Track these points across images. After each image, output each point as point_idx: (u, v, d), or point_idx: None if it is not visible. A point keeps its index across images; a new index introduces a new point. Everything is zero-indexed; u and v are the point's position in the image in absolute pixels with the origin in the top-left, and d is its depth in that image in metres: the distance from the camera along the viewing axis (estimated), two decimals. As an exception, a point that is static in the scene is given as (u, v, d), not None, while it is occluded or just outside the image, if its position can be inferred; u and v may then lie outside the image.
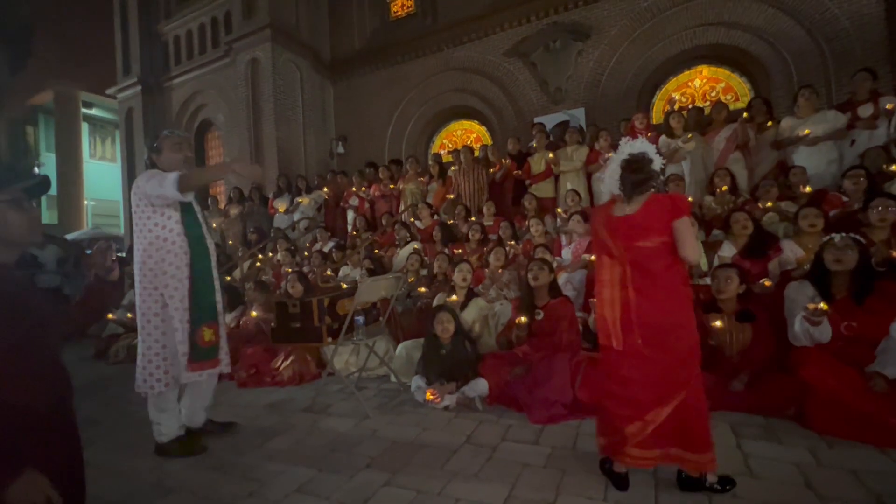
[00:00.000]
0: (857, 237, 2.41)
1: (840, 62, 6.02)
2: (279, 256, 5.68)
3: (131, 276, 2.69)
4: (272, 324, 3.10)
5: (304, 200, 7.06)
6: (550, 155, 5.38)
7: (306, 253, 5.77)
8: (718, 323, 2.60)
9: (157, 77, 11.01)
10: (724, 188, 4.09)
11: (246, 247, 6.64)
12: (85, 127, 18.89)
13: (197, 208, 2.44)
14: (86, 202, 18.26)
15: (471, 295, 3.46)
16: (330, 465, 2.14)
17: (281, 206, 7.25)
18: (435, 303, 3.55)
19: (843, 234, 2.39)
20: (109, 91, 11.89)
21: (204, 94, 10.61)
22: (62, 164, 17.62)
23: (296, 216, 7.10)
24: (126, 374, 4.04)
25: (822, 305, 2.18)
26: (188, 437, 2.40)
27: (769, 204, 3.81)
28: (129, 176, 11.37)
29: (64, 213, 17.45)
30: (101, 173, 18.96)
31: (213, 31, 10.38)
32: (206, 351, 2.33)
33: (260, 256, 6.25)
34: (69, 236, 9.26)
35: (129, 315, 4.82)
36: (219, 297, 2.44)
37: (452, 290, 3.52)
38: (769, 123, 4.48)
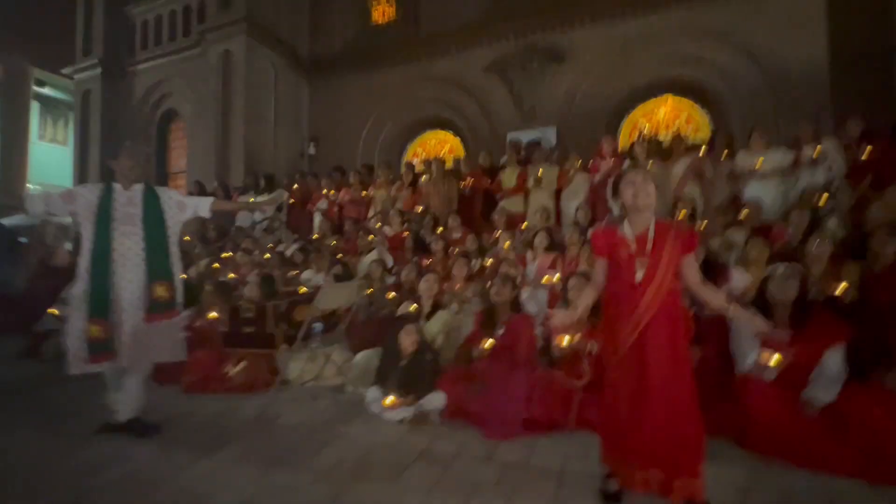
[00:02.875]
0: (799, 267, 2.55)
1: (789, 103, 6.48)
2: (237, 256, 5.46)
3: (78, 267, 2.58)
4: (224, 328, 2.96)
5: (252, 199, 6.75)
6: (541, 172, 5.43)
7: (267, 255, 5.59)
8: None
9: (120, 60, 10.49)
10: (683, 212, 4.27)
11: (204, 244, 6.36)
12: (35, 106, 17.68)
13: (118, 214, 2.52)
14: (30, 186, 17.03)
15: (436, 307, 3.44)
16: (276, 479, 2.05)
17: (244, 203, 7.00)
18: (399, 312, 3.51)
19: (787, 265, 2.53)
20: (65, 70, 11.23)
21: (170, 82, 10.19)
22: (7, 145, 16.40)
23: (257, 215, 6.88)
24: (57, 374, 3.77)
25: (773, 362, 2.27)
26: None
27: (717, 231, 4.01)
28: (81, 160, 10.72)
29: (6, 196, 16.19)
30: (51, 157, 17.74)
31: (184, 19, 10.02)
32: (96, 345, 2.43)
33: (224, 255, 5.99)
34: (4, 221, 8.55)
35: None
36: (124, 294, 2.49)
37: (418, 301, 3.49)
38: (726, 157, 4.74)
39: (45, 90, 17.89)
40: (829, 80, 6.42)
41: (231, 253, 5.97)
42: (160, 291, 2.54)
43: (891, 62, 5.78)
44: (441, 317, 3.40)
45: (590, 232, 3.78)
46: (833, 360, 2.30)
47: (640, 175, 1.85)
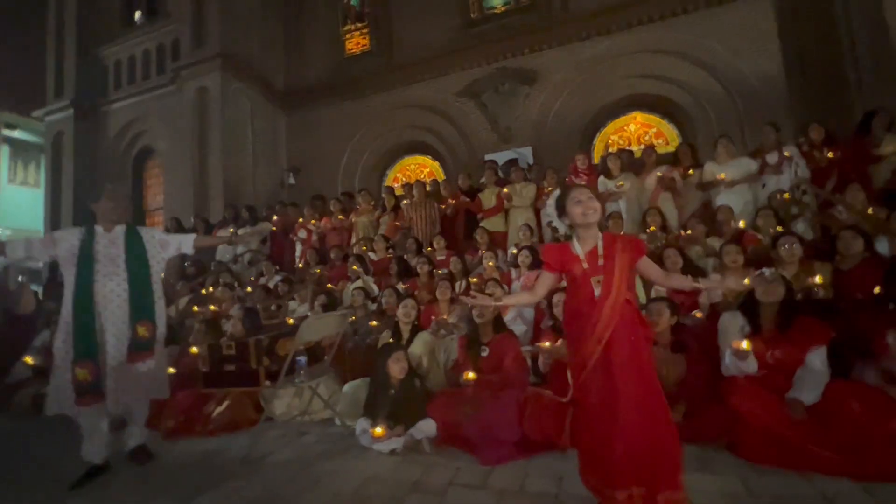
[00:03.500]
0: (783, 272, 2.62)
1: (751, 114, 6.80)
2: (218, 292, 5.35)
3: (48, 313, 2.57)
4: (205, 367, 2.88)
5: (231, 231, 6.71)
6: (505, 190, 5.55)
7: (249, 288, 5.49)
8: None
9: (92, 100, 10.42)
10: (653, 227, 4.38)
11: (184, 280, 6.23)
12: (5, 150, 17.33)
13: (100, 256, 2.55)
14: (0, 230, 16.50)
15: (415, 330, 3.41)
16: (262, 525, 1.96)
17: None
18: (381, 342, 3.46)
19: (772, 269, 2.59)
20: (36, 113, 11.08)
21: (145, 120, 10.15)
22: (-26, 189, 15.96)
23: (238, 248, 6.79)
24: (29, 429, 3.59)
25: (746, 345, 2.31)
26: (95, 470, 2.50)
27: (695, 239, 4.12)
28: (53, 203, 10.48)
29: (-28, 242, 15.64)
30: (21, 200, 17.29)
31: (158, 57, 10.07)
32: (83, 387, 2.41)
33: (203, 291, 5.86)
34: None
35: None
36: (107, 336, 2.52)
37: (396, 326, 3.45)
38: (690, 171, 4.90)
39: (15, 133, 17.60)
40: (787, 89, 6.77)
41: (212, 288, 5.85)
42: (142, 331, 2.55)
43: (842, 68, 6.14)
44: (421, 338, 3.36)
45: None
46: (815, 361, 2.34)
47: (584, 193, 1.89)
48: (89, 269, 2.51)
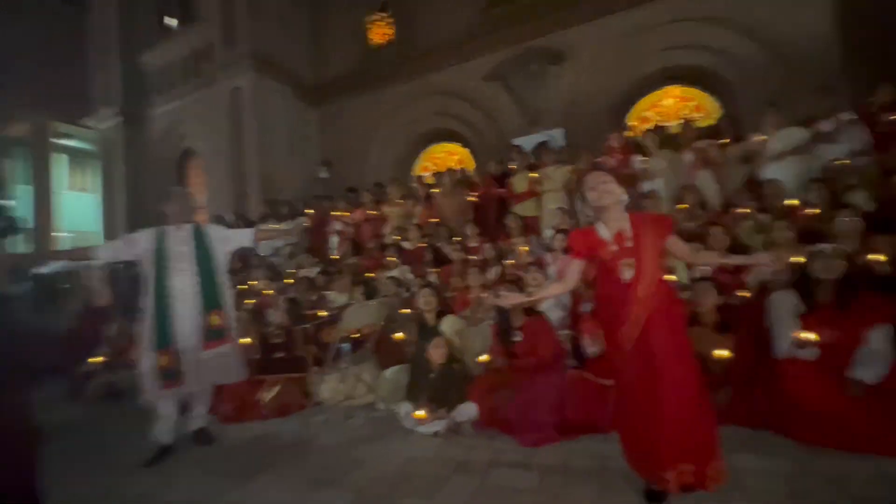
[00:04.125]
0: (843, 247, 2.48)
1: (800, 79, 6.32)
2: (260, 283, 5.59)
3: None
4: (256, 355, 3.04)
5: (280, 227, 6.96)
6: (533, 174, 5.47)
7: (291, 280, 5.69)
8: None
9: (137, 107, 10.99)
10: (684, 206, 4.20)
11: (230, 275, 6.53)
12: (63, 158, 18.58)
13: (172, 253, 2.76)
14: (62, 234, 17.80)
15: (440, 315, 3.45)
16: (318, 499, 2.08)
17: (265, 232, 7.18)
18: (410, 332, 3.53)
19: (832, 245, 2.46)
20: (88, 122, 11.82)
21: (185, 123, 10.61)
22: (38, 197, 17.26)
23: (278, 242, 7.04)
24: (102, 415, 3.92)
25: (813, 336, 2.23)
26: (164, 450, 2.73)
27: (748, 211, 3.92)
28: (109, 206, 11.20)
29: (39, 245, 16.98)
30: (80, 204, 18.56)
31: (194, 60, 10.46)
32: (167, 373, 2.65)
33: (243, 287, 6.13)
34: (44, 269, 8.98)
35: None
36: (183, 324, 2.71)
37: (420, 317, 3.50)
38: (735, 140, 4.64)
39: (71, 142, 18.82)
40: (841, 48, 6.24)
41: (255, 281, 6.12)
42: (215, 320, 2.77)
43: (902, 26, 5.61)
44: (448, 321, 3.40)
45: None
46: (878, 339, 2.22)
47: (598, 176, 1.90)
48: (163, 265, 2.74)
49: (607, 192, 1.84)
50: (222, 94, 9.46)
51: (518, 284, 3.14)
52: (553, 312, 3.40)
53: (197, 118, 10.30)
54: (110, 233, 11.13)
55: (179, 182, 10.97)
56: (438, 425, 2.67)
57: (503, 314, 3.00)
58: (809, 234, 3.17)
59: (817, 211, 3.52)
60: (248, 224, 7.61)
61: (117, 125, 10.99)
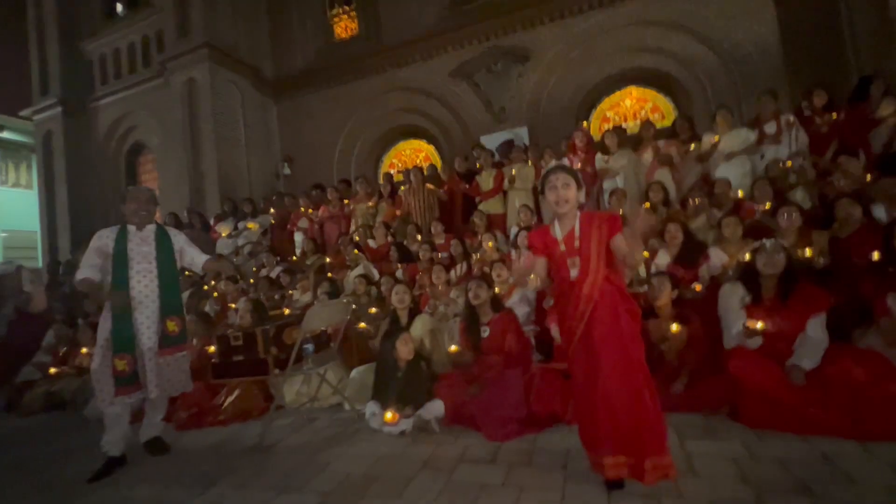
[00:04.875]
0: (783, 242, 2.63)
1: (748, 83, 6.73)
2: (221, 285, 5.37)
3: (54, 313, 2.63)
4: (213, 359, 2.91)
5: (253, 226, 6.77)
6: (514, 171, 5.47)
7: (251, 280, 5.50)
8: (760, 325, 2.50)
9: (79, 97, 10.26)
10: (647, 204, 4.36)
11: (183, 275, 6.23)
12: (-5, 151, 17.13)
13: (134, 254, 2.66)
14: (-3, 233, 16.42)
15: (413, 314, 3.44)
16: (280, 507, 2.02)
17: (224, 230, 6.90)
18: (380, 330, 3.50)
19: (773, 240, 2.61)
20: (24, 112, 10.92)
21: (134, 115, 10.02)
22: (-33, 193, 15.83)
23: (239, 241, 6.79)
24: (42, 428, 3.65)
25: (760, 325, 2.35)
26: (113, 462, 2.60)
27: (704, 200, 4.10)
28: (48, 204, 10.41)
29: (-32, 246, 15.60)
30: (15, 201, 17.15)
31: (143, 50, 9.88)
32: (122, 379, 2.55)
33: (206, 287, 5.87)
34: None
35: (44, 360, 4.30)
36: (142, 329, 2.63)
37: (394, 313, 3.48)
38: (692, 144, 4.86)
39: (3, 134, 17.35)
40: (783, 58, 6.68)
41: (213, 282, 5.87)
42: (172, 326, 2.69)
43: (838, 33, 6.06)
44: (421, 320, 3.39)
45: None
46: (815, 328, 2.38)
47: (561, 178, 1.90)
48: (124, 265, 2.63)
49: (565, 200, 1.89)
50: (175, 85, 9.00)
51: (486, 280, 3.16)
52: (519, 308, 3.45)
53: (147, 110, 9.75)
54: (51, 232, 10.36)
55: (129, 178, 10.37)
56: (405, 424, 2.65)
57: (471, 310, 3.02)
58: (756, 230, 3.37)
59: (767, 206, 3.73)
60: (205, 223, 7.31)
61: (57, 116, 10.22)
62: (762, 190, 3.83)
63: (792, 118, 4.46)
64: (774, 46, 6.75)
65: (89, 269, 2.62)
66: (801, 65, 6.48)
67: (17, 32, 11.04)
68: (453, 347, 2.99)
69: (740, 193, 4.09)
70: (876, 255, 2.69)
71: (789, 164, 4.17)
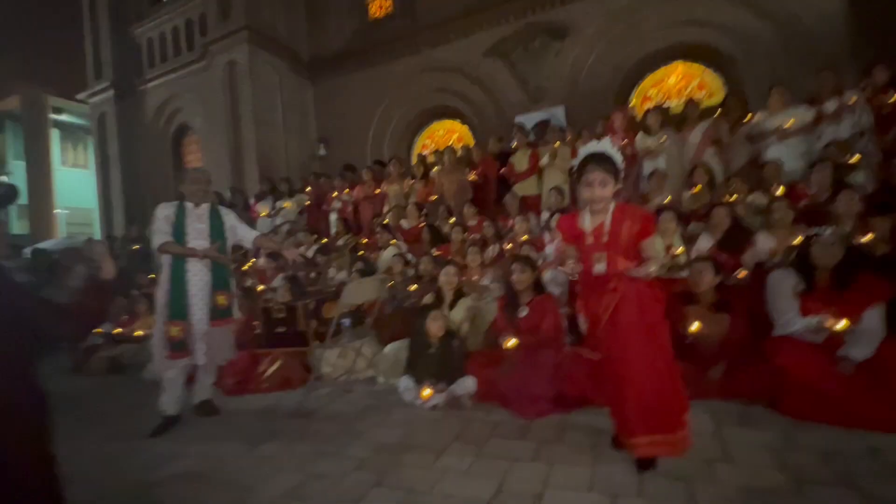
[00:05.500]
0: (840, 233, 2.48)
1: (805, 59, 6.22)
2: (261, 261, 5.60)
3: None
4: (257, 330, 3.08)
5: (288, 205, 6.99)
6: (550, 152, 5.37)
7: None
8: (695, 326, 2.63)
9: (130, 81, 10.76)
10: (698, 187, 4.19)
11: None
12: (56, 133, 18.32)
13: (190, 229, 2.82)
14: (58, 211, 17.71)
15: (458, 295, 3.48)
16: (318, 470, 2.14)
17: (263, 209, 7.16)
18: (423, 303, 3.56)
19: (830, 231, 2.47)
20: (80, 96, 11.57)
21: (180, 97, 10.42)
22: (32, 172, 17.09)
23: (278, 220, 7.02)
24: (106, 388, 3.98)
25: (842, 325, 2.23)
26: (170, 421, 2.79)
27: (734, 197, 3.92)
28: (103, 182, 11.09)
29: (35, 222, 16.91)
30: (75, 181, 18.38)
31: (187, 33, 10.20)
32: (175, 344, 2.73)
33: (248, 264, 6.14)
34: (41, 246, 8.98)
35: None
36: (195, 300, 2.79)
37: (439, 292, 3.53)
38: (745, 119, 4.59)
39: (63, 117, 18.50)
40: (846, 31, 6.14)
41: (254, 260, 6.13)
42: (221, 300, 2.86)
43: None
44: (464, 304, 3.43)
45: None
46: (873, 319, 2.26)
47: (598, 175, 1.84)
48: (181, 239, 2.81)
49: (600, 199, 1.85)
50: (217, 68, 9.27)
51: (530, 262, 3.12)
52: (551, 289, 3.43)
53: (191, 93, 10.11)
54: (107, 209, 11.06)
55: (175, 158, 10.85)
56: (437, 399, 2.73)
57: (511, 290, 3.03)
58: (810, 214, 3.19)
59: (814, 192, 3.50)
60: (245, 202, 7.59)
61: (110, 99, 10.78)
62: (821, 172, 3.56)
63: (856, 96, 4.12)
64: (838, 18, 6.20)
65: (164, 234, 2.80)
66: (867, 36, 5.92)
67: (73, 19, 11.62)
68: (512, 342, 2.87)
69: (794, 179, 3.83)
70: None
71: (851, 152, 3.84)
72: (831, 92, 4.24)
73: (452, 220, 5.38)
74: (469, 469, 2.02)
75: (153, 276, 4.87)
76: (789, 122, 4.19)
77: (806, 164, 4.00)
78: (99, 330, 4.51)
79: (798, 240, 2.60)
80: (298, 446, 2.42)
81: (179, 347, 2.76)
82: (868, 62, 4.68)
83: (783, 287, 2.51)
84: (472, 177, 5.98)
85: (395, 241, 5.17)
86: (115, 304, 4.57)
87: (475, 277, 4.00)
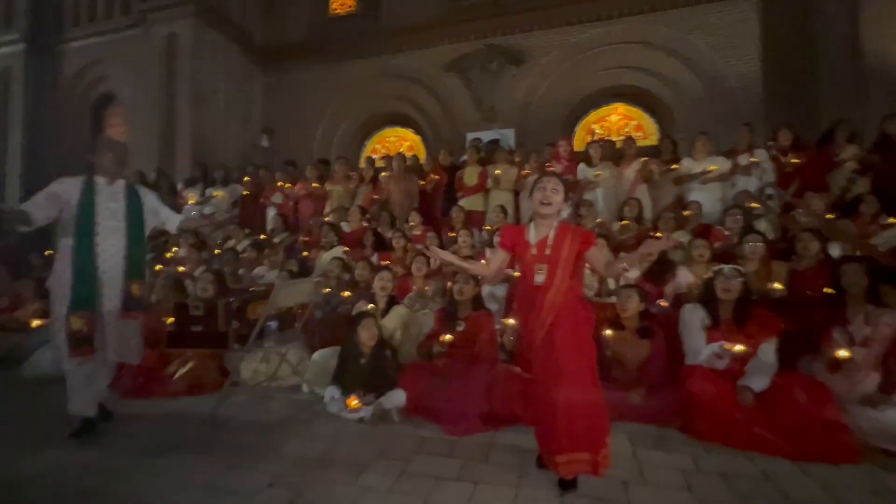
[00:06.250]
0: (740, 268, 2.75)
1: (727, 113, 6.99)
2: (182, 252, 5.14)
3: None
4: (169, 327, 2.77)
5: (219, 194, 6.50)
6: (497, 171, 5.48)
7: (217, 251, 5.29)
8: (609, 332, 2.83)
9: (45, 37, 9.53)
10: (626, 222, 4.47)
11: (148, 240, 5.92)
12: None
13: (102, 209, 2.49)
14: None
15: (391, 302, 3.40)
16: (226, 485, 1.94)
17: (191, 197, 6.59)
18: (355, 310, 3.43)
19: (731, 266, 2.72)
20: (-19, 44, 10.04)
21: (106, 63, 9.40)
22: None
23: (206, 209, 6.50)
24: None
25: (738, 348, 2.45)
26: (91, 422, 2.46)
27: (660, 234, 4.24)
28: (1, 145, 9.65)
29: None
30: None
31: (123, -4, 9.28)
32: (77, 339, 2.38)
33: (169, 253, 5.59)
34: None
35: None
36: (106, 289, 2.47)
37: (373, 298, 3.43)
38: (674, 166, 5.01)
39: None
40: (763, 94, 6.99)
41: (175, 248, 5.61)
42: (136, 290, 2.56)
43: (815, 80, 6.39)
44: (397, 311, 3.35)
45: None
46: (766, 352, 2.50)
47: (551, 182, 1.97)
48: (90, 220, 2.45)
49: (550, 204, 1.94)
50: (155, 38, 8.50)
51: (473, 277, 3.13)
52: (489, 305, 3.46)
53: (122, 61, 9.17)
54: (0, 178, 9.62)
55: (94, 128, 9.74)
56: (365, 411, 2.61)
57: (452, 303, 3.01)
58: (724, 255, 3.51)
59: (728, 234, 3.89)
60: (171, 185, 6.98)
61: (17, 52, 9.47)
62: (734, 218, 3.99)
63: (761, 155, 4.66)
64: (756, 82, 7.06)
65: (32, 205, 2.38)
66: (778, 103, 6.80)
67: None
68: (448, 336, 2.86)
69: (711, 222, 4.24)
70: (827, 290, 2.85)
71: (753, 204, 4.34)
72: (746, 147, 4.77)
73: (404, 225, 5.29)
74: (392, 487, 1.93)
75: (49, 251, 4.26)
76: (711, 168, 4.64)
77: (722, 209, 4.44)
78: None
79: (709, 275, 2.85)
80: (205, 459, 2.19)
81: (82, 343, 2.39)
82: (775, 124, 5.35)
83: (693, 320, 2.72)
84: (424, 182, 5.94)
85: (333, 242, 4.98)
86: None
87: (417, 287, 3.94)
